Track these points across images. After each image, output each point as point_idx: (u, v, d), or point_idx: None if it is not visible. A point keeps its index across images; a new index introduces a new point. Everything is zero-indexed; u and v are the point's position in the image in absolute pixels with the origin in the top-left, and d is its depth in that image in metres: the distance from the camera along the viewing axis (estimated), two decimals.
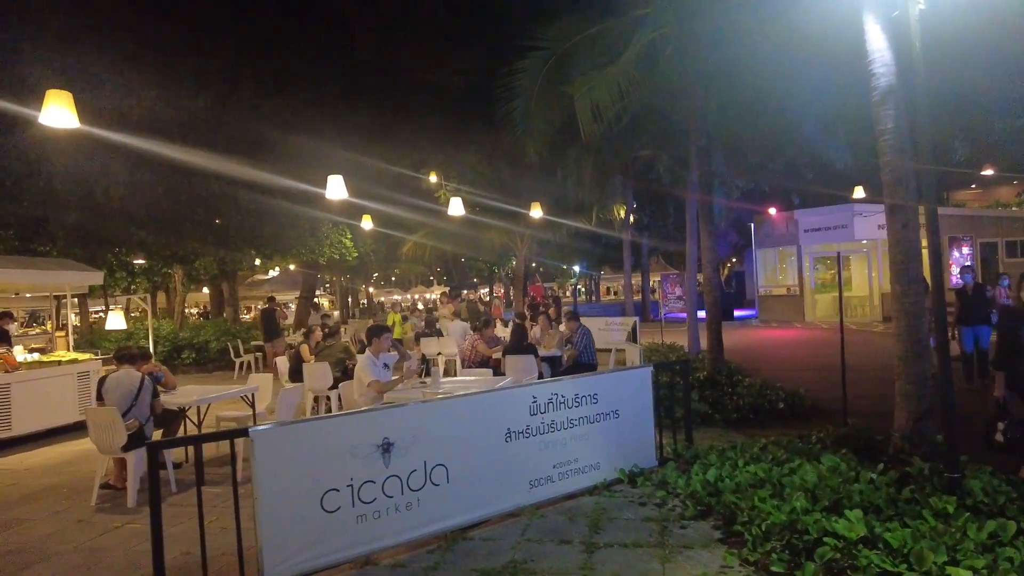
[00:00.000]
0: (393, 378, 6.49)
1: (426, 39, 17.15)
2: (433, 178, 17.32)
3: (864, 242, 20.39)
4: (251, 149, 13.49)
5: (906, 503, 4.11)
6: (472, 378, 7.19)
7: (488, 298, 41.55)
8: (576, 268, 43.20)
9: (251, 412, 6.84)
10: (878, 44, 5.05)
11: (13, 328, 10.77)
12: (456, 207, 13.27)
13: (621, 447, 5.37)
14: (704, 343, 11.02)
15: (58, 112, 5.70)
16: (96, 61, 10.84)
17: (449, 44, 17.09)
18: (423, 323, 14.02)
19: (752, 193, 23.11)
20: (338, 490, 3.90)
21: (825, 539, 3.65)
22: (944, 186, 28.23)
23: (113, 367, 6.05)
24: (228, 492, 5.50)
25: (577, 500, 4.97)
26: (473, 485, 4.48)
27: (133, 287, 23.59)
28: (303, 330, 12.24)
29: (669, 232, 30.04)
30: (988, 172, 21.33)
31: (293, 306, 27.52)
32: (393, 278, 53.91)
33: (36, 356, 9.26)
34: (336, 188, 9.55)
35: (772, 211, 22.38)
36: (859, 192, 18.54)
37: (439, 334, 12.89)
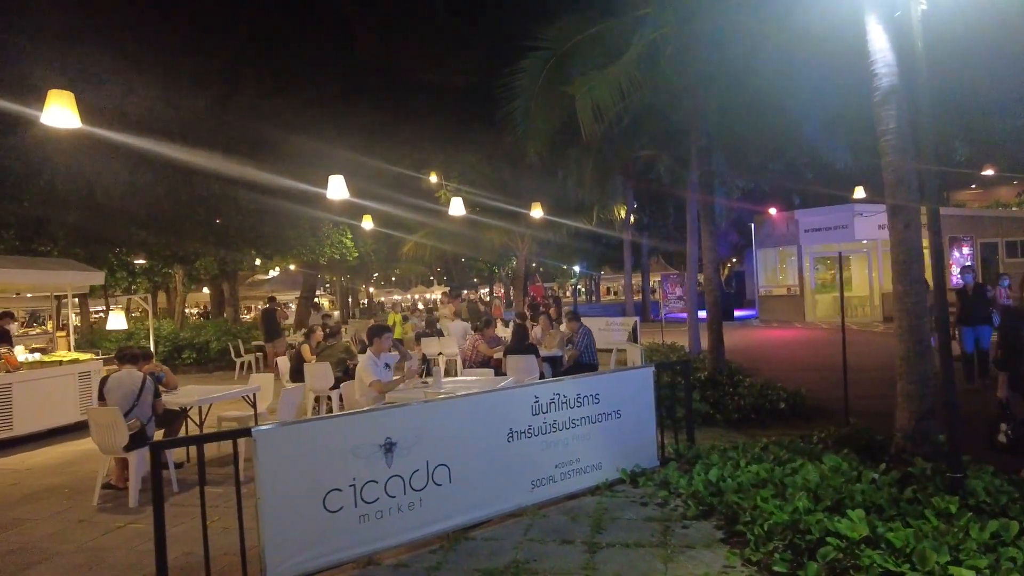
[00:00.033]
0: (394, 378, 6.50)
1: (426, 39, 17.16)
2: (433, 178, 17.33)
3: (864, 242, 20.40)
4: (252, 149, 13.50)
5: (908, 503, 4.11)
6: (474, 378, 7.20)
7: (488, 298, 41.52)
8: (576, 268, 43.22)
9: (252, 412, 6.84)
10: (880, 44, 5.06)
11: (14, 328, 10.76)
12: (457, 207, 13.28)
13: (623, 447, 5.37)
14: (704, 343, 11.03)
15: (60, 112, 5.71)
16: (97, 61, 10.85)
17: (449, 44, 17.10)
18: (424, 323, 14.02)
19: (752, 193, 23.12)
20: (341, 490, 3.90)
21: (828, 539, 3.65)
22: (944, 186, 28.24)
23: (114, 367, 6.05)
24: (229, 492, 5.51)
25: (579, 500, 4.98)
26: (475, 485, 4.48)
27: (134, 287, 23.60)
28: (304, 330, 12.24)
29: (669, 232, 30.05)
30: (988, 172, 21.32)
31: (293, 306, 27.51)
32: (393, 278, 53.92)
33: (37, 356, 9.26)
34: (337, 188, 9.55)
35: (772, 211, 22.39)
36: (859, 192, 18.56)
37: (440, 334, 12.89)
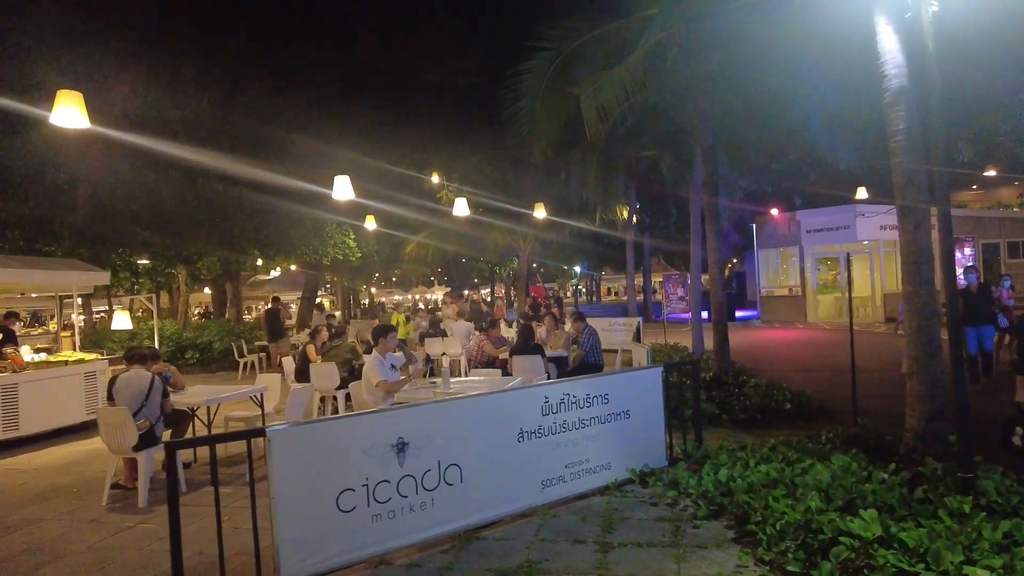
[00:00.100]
0: (401, 378, 6.51)
1: (427, 39, 17.18)
2: (435, 178, 17.34)
3: (866, 243, 20.42)
4: (254, 149, 13.50)
5: (919, 503, 4.12)
6: (481, 378, 7.21)
7: (491, 298, 41.52)
8: (577, 268, 43.21)
9: (259, 412, 6.84)
10: (890, 45, 5.07)
11: (17, 328, 10.76)
12: (461, 207, 13.28)
13: (632, 447, 5.38)
14: (708, 344, 11.03)
15: (69, 112, 5.71)
16: (101, 62, 10.86)
17: (450, 44, 17.12)
18: (427, 323, 14.03)
19: (754, 194, 23.13)
20: (354, 490, 3.91)
21: (840, 539, 3.66)
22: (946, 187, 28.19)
23: (120, 367, 6.06)
24: (237, 492, 5.54)
25: (589, 500, 4.98)
26: (486, 485, 4.49)
27: (137, 287, 23.60)
28: (308, 330, 12.24)
29: (671, 232, 30.04)
30: (990, 173, 21.34)
31: (294, 307, 27.51)
32: (394, 278, 53.88)
33: (43, 356, 9.27)
34: (343, 188, 9.55)
35: (774, 212, 22.40)
36: (862, 193, 18.55)
37: (443, 334, 12.90)
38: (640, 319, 14.94)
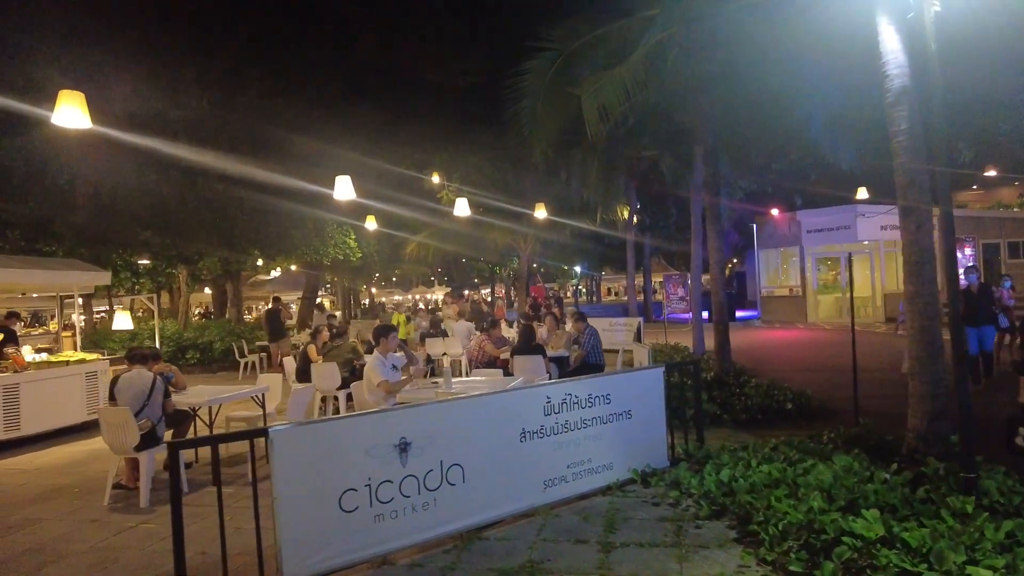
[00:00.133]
0: (402, 378, 6.51)
1: (427, 39, 17.20)
2: (436, 179, 17.34)
3: (866, 243, 20.41)
4: (255, 150, 13.52)
5: (922, 503, 4.12)
6: (483, 378, 7.21)
7: (491, 298, 41.53)
8: (577, 268, 43.21)
9: (260, 412, 6.84)
10: (892, 46, 5.07)
11: (19, 328, 10.76)
12: (462, 208, 13.29)
13: (634, 447, 5.38)
14: (708, 344, 11.04)
15: (71, 112, 5.71)
16: (101, 62, 10.87)
17: (450, 44, 17.14)
18: (428, 323, 14.03)
19: (755, 194, 23.13)
20: (356, 490, 3.91)
21: (843, 539, 3.66)
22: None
23: (121, 367, 6.06)
24: (238, 492, 5.55)
25: (591, 500, 4.98)
26: (488, 485, 4.49)
27: (137, 287, 23.61)
28: (308, 330, 12.25)
29: (671, 232, 30.05)
30: (990, 173, 21.35)
31: (295, 307, 27.52)
32: (394, 278, 53.90)
33: (44, 356, 9.27)
34: (344, 189, 9.56)
35: (775, 212, 22.40)
36: (862, 193, 18.55)
37: (444, 334, 12.90)
38: (641, 319, 14.95)
